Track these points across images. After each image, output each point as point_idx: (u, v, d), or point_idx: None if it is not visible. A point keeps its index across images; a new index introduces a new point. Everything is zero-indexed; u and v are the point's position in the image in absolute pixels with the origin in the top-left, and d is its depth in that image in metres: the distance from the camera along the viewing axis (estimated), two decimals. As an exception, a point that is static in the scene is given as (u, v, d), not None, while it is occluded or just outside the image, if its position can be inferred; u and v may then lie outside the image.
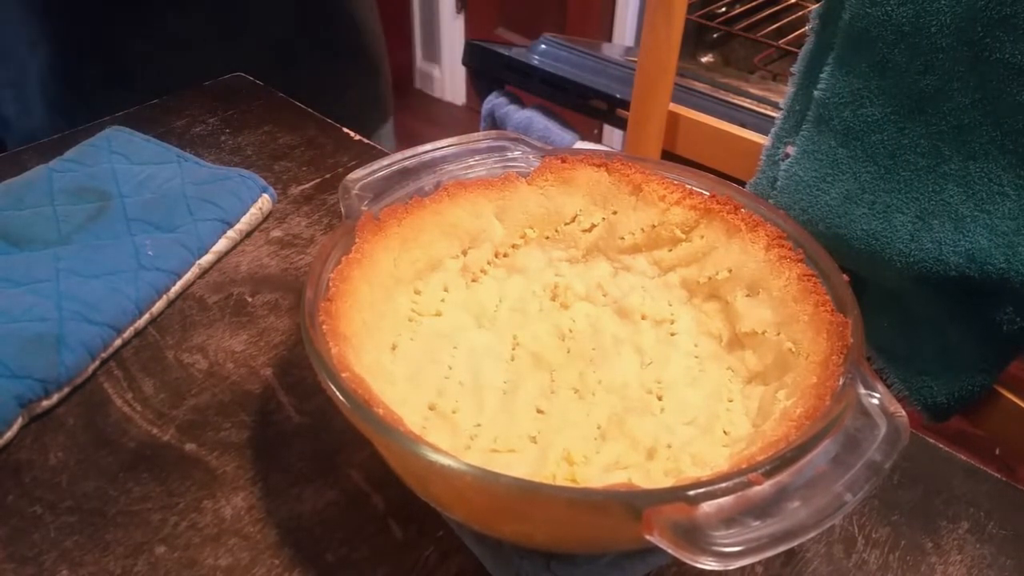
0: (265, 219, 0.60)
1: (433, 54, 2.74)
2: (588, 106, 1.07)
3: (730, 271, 0.43)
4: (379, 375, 0.36)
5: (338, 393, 0.31)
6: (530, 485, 0.29)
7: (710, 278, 0.44)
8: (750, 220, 0.43)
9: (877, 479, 0.29)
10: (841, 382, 0.33)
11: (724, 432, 0.38)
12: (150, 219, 0.54)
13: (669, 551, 0.26)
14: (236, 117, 0.73)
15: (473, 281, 0.46)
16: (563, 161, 0.47)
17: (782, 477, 0.28)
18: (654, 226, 0.46)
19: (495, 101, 1.16)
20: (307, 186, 0.65)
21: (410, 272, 0.43)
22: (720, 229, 0.44)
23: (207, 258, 0.54)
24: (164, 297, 0.51)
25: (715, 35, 1.25)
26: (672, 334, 0.44)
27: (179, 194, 0.56)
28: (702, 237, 0.45)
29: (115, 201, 0.55)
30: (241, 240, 0.58)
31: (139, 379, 0.46)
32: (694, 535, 0.26)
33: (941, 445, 0.45)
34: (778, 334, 0.39)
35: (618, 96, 1.02)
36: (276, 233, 0.59)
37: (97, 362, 0.46)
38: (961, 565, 0.39)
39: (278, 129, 0.72)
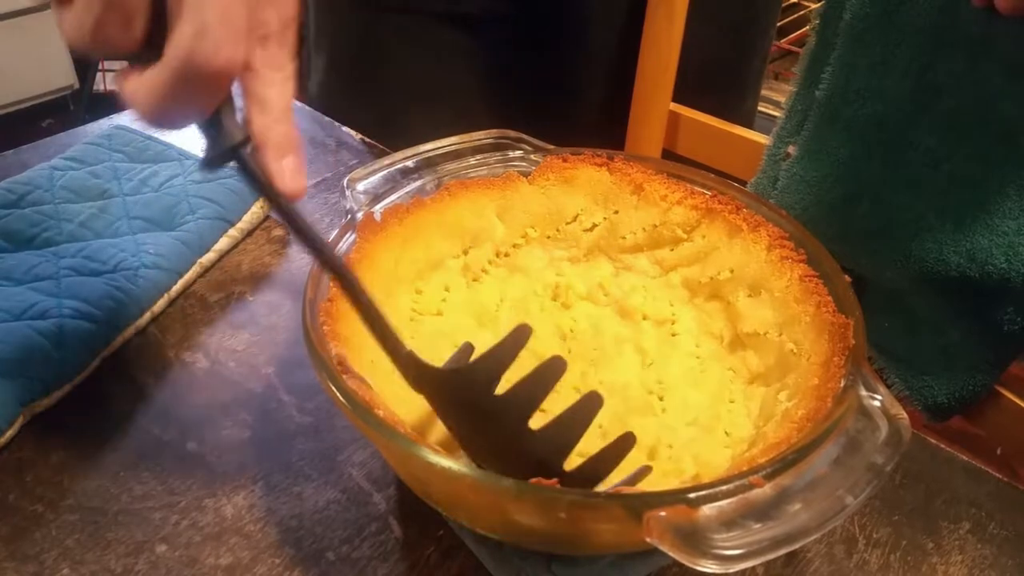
0: (266, 218, 0.60)
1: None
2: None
3: (732, 271, 0.43)
4: (380, 375, 0.36)
5: (339, 395, 0.31)
6: (530, 487, 0.29)
7: (712, 278, 0.44)
8: (752, 220, 0.43)
9: (878, 481, 0.29)
10: (843, 384, 0.33)
11: (725, 433, 0.38)
12: (151, 217, 0.54)
13: (669, 554, 0.26)
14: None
15: (474, 280, 0.46)
16: (564, 160, 0.47)
17: (783, 479, 0.28)
18: (655, 226, 0.46)
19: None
20: (308, 185, 0.64)
21: (411, 272, 0.43)
22: (722, 229, 0.44)
23: (208, 257, 0.54)
24: (165, 296, 0.51)
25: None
26: (673, 334, 0.44)
27: (180, 192, 0.56)
28: (704, 237, 0.44)
29: (116, 199, 0.55)
30: (242, 239, 0.58)
31: (140, 378, 0.46)
32: (694, 538, 0.26)
33: (942, 445, 0.45)
34: (780, 335, 0.39)
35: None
36: (278, 232, 0.59)
37: (98, 361, 0.46)
38: (962, 565, 0.39)
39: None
